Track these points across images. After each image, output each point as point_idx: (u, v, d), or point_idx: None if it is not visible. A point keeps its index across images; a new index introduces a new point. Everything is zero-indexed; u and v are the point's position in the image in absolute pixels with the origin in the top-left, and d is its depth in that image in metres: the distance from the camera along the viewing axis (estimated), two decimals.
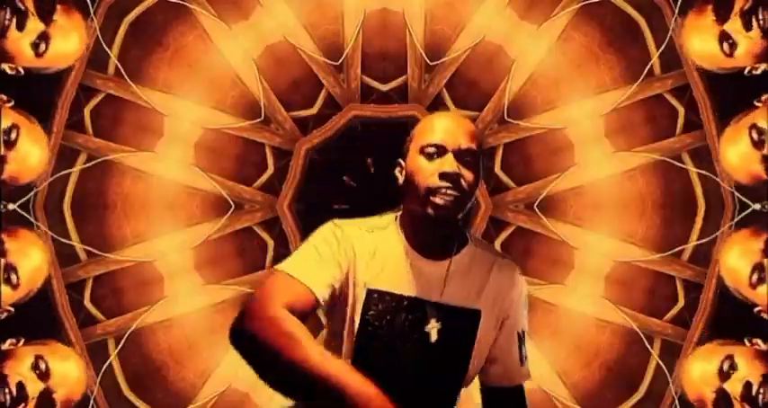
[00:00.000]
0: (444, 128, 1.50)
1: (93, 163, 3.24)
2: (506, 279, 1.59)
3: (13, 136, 3.13)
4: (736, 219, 3.15)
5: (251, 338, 1.43)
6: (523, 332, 1.64)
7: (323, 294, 1.47)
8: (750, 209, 3.14)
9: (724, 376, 3.09)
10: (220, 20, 3.27)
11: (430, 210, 1.44)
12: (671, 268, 3.23)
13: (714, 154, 3.17)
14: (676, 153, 3.23)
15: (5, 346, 3.09)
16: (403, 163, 1.55)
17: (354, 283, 1.51)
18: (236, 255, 3.32)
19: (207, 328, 3.28)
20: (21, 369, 3.08)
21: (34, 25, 3.15)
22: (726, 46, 3.12)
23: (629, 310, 3.24)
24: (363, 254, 1.51)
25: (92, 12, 3.19)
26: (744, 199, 3.15)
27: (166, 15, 3.26)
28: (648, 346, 3.21)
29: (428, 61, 3.29)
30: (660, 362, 3.19)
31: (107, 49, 3.22)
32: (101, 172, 3.25)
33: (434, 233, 1.52)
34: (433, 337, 1.49)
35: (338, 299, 1.52)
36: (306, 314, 1.46)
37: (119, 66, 3.23)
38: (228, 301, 3.28)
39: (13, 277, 3.12)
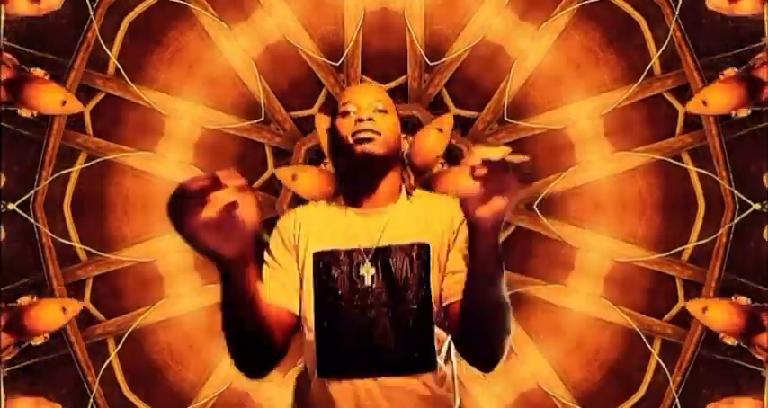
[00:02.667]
0: (353, 90, 1.74)
1: (93, 163, 3.24)
2: (449, 207, 1.62)
3: None
4: (736, 219, 3.15)
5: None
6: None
7: (296, 305, 1.58)
8: (750, 209, 3.14)
9: None
10: (220, 20, 3.27)
11: (358, 148, 1.59)
12: (671, 268, 3.23)
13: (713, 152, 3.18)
14: (676, 153, 3.23)
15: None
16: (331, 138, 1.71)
17: (305, 254, 1.61)
18: None
19: (207, 328, 3.28)
20: None
21: None
22: None
23: (629, 310, 3.24)
24: (309, 226, 1.65)
25: (92, 12, 3.19)
26: (744, 198, 3.15)
27: (166, 15, 3.26)
28: (648, 346, 3.21)
29: (428, 61, 3.29)
30: (660, 362, 3.19)
31: (107, 50, 3.22)
32: (101, 173, 3.25)
33: (369, 180, 1.63)
34: (367, 281, 1.54)
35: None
36: (293, 330, 1.57)
37: (119, 66, 3.23)
38: None
39: None
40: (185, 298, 3.27)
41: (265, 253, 1.70)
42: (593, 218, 3.28)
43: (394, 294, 1.55)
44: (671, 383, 3.16)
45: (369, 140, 1.59)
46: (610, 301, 3.24)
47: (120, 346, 3.22)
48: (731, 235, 3.17)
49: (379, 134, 1.61)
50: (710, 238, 3.18)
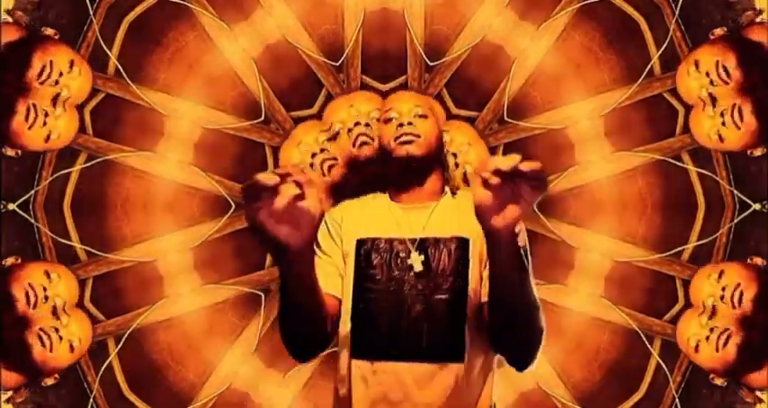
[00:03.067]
0: (394, 98, 1.85)
1: (93, 163, 3.24)
2: None
3: None
4: (736, 220, 3.15)
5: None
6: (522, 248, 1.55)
7: (340, 292, 1.69)
8: (750, 209, 3.14)
9: None
10: (220, 20, 3.27)
11: (400, 150, 1.72)
12: (671, 268, 3.23)
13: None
14: (676, 153, 3.23)
15: None
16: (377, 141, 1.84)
17: (349, 243, 1.70)
18: (236, 255, 3.32)
19: (207, 328, 3.28)
20: None
21: None
22: None
23: (629, 310, 3.24)
24: (351, 217, 1.75)
25: (92, 12, 3.19)
26: (744, 198, 3.15)
27: (166, 15, 3.26)
28: (648, 346, 3.21)
29: (428, 61, 3.29)
30: (660, 362, 3.19)
31: (107, 50, 3.22)
32: (101, 173, 3.25)
33: (412, 180, 1.75)
34: (417, 268, 1.62)
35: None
36: (339, 315, 1.67)
37: (119, 66, 3.23)
38: (228, 301, 3.28)
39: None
40: (185, 298, 3.27)
41: (314, 245, 1.71)
42: (593, 218, 3.28)
43: (429, 283, 1.62)
44: (671, 383, 3.16)
45: (409, 142, 1.72)
46: (610, 301, 3.24)
47: (120, 346, 3.22)
48: (731, 235, 3.17)
49: (419, 136, 1.75)
50: (710, 238, 3.18)
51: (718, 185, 3.18)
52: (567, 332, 3.28)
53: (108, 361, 3.21)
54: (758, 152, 3.11)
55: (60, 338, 3.12)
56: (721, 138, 3.13)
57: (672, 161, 3.23)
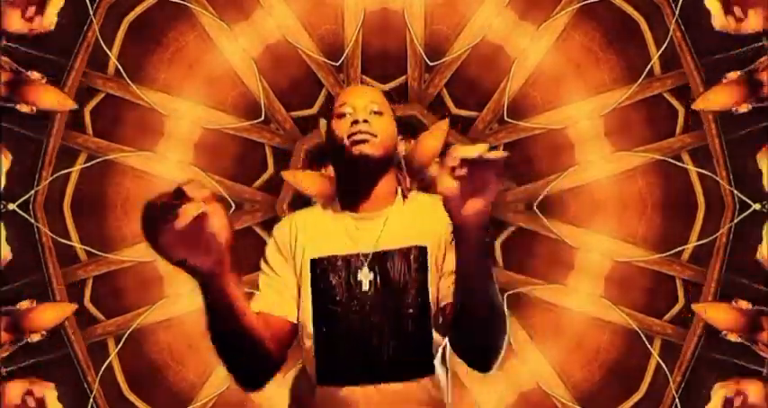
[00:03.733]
0: (348, 92, 1.73)
1: (93, 163, 3.24)
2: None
3: None
4: (736, 219, 3.15)
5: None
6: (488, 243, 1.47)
7: (294, 314, 1.60)
8: (750, 209, 3.14)
9: None
10: (220, 20, 3.27)
11: (354, 150, 1.58)
12: (671, 268, 3.23)
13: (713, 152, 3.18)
14: (676, 153, 3.23)
15: None
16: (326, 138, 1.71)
17: (302, 261, 1.61)
18: (235, 255, 3.31)
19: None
20: None
21: None
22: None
23: (629, 310, 3.23)
24: (306, 233, 1.63)
25: (92, 12, 3.19)
26: (744, 198, 3.15)
27: (166, 15, 3.26)
28: (648, 346, 3.21)
29: (428, 61, 3.29)
30: (660, 362, 3.19)
31: (107, 50, 3.22)
32: (101, 173, 3.25)
33: (364, 182, 1.62)
34: (365, 286, 1.54)
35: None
36: (291, 338, 1.59)
37: (119, 66, 3.23)
38: None
39: None
40: (185, 298, 3.27)
41: (261, 262, 1.71)
42: (593, 218, 3.28)
43: (392, 299, 1.54)
44: (671, 383, 3.16)
45: (364, 141, 1.59)
46: (610, 301, 3.24)
47: (120, 346, 3.22)
48: (731, 235, 3.17)
49: (375, 136, 1.61)
50: (710, 238, 3.18)
51: (718, 185, 3.18)
52: (567, 332, 3.28)
53: (108, 361, 3.21)
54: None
55: None
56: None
57: (672, 161, 3.23)
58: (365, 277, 1.56)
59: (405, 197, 1.69)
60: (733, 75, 3.13)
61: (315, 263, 1.60)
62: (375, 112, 1.65)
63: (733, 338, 3.10)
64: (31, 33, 3.13)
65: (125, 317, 3.24)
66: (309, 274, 1.60)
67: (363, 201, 1.65)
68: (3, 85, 3.15)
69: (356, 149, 1.59)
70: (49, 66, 3.19)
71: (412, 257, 1.56)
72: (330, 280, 1.58)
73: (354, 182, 1.65)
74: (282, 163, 3.33)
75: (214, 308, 1.39)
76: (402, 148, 1.74)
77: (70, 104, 3.20)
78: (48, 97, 3.18)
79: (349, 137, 1.60)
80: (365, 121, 1.60)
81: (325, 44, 3.31)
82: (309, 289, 1.60)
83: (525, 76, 3.30)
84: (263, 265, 1.70)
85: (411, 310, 1.54)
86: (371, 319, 1.54)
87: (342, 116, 1.65)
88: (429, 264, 1.56)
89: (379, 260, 1.58)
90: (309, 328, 1.60)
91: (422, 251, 1.57)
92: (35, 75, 3.15)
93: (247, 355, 1.47)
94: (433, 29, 3.30)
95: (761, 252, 3.13)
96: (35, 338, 3.12)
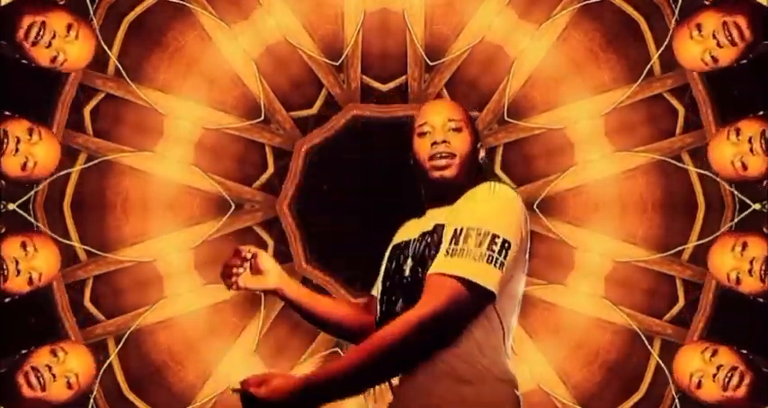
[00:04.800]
0: (428, 110, 1.79)
1: (93, 163, 3.24)
2: (468, 196, 1.68)
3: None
4: (736, 219, 3.15)
5: None
6: (463, 229, 1.54)
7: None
8: (750, 209, 3.14)
9: None
10: (220, 20, 3.27)
11: (434, 174, 1.69)
12: (671, 268, 3.23)
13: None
14: (676, 153, 3.23)
15: None
16: (411, 153, 1.79)
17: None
18: None
19: (207, 328, 3.28)
20: None
21: None
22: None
23: (629, 310, 3.23)
24: (402, 227, 1.84)
25: (92, 12, 3.19)
26: (744, 198, 3.15)
27: (166, 15, 3.26)
28: (648, 346, 3.21)
29: (428, 61, 3.29)
30: (660, 362, 3.19)
31: (107, 49, 3.22)
32: (101, 173, 3.25)
33: (450, 198, 1.69)
34: (406, 273, 1.65)
35: None
36: None
37: (119, 66, 3.23)
38: (228, 301, 3.28)
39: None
40: (185, 298, 3.27)
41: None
42: (593, 218, 3.28)
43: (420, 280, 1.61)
44: (671, 383, 3.16)
45: (444, 168, 1.68)
46: (610, 301, 3.24)
47: (120, 346, 3.22)
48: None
49: (454, 155, 1.70)
50: (710, 238, 3.18)
51: (718, 185, 3.18)
52: (567, 333, 3.28)
53: (108, 361, 3.20)
54: None
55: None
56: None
57: (672, 161, 3.23)
58: (407, 266, 1.67)
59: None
60: None
61: (393, 248, 1.77)
62: (454, 129, 1.73)
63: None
64: None
65: (125, 317, 3.24)
66: (387, 258, 1.79)
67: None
68: None
69: (437, 173, 1.69)
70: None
71: (436, 235, 1.63)
72: (388, 264, 1.74)
73: (442, 198, 1.71)
74: (282, 163, 3.33)
75: (293, 309, 1.86)
76: (482, 154, 1.82)
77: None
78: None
79: (430, 159, 1.69)
80: (444, 142, 1.69)
81: (325, 44, 3.31)
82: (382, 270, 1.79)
83: (525, 76, 3.30)
84: None
85: (413, 277, 1.65)
86: (403, 306, 1.61)
87: (423, 135, 1.74)
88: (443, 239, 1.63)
89: (415, 245, 1.69)
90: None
91: (441, 228, 1.63)
92: None
93: (333, 329, 1.93)
94: (433, 29, 3.30)
95: None
96: None
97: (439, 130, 1.71)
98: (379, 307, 1.72)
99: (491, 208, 1.63)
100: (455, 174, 1.69)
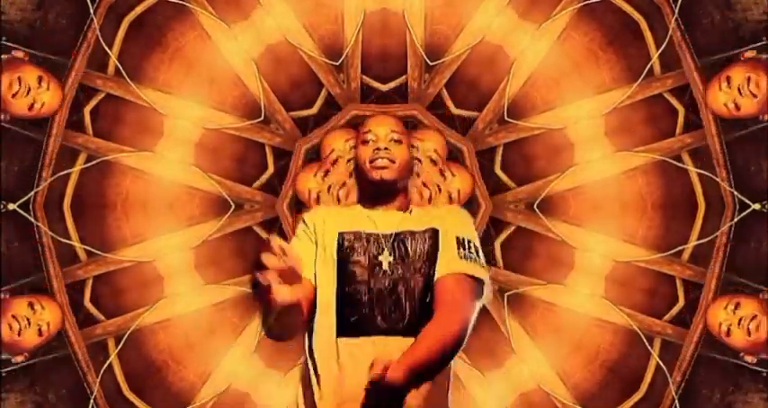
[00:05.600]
0: (374, 122, 2.02)
1: (93, 163, 3.24)
2: (447, 213, 1.94)
3: None
4: (736, 219, 3.15)
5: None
6: (465, 240, 1.83)
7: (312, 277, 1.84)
8: (750, 209, 3.14)
9: None
10: (220, 20, 3.27)
11: (375, 174, 1.89)
12: (671, 268, 3.23)
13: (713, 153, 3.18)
14: (676, 153, 3.23)
15: None
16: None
17: (323, 234, 1.88)
18: (236, 255, 3.32)
19: (207, 328, 3.28)
20: None
21: None
22: None
23: (629, 310, 3.24)
24: (331, 216, 1.92)
25: (92, 12, 3.19)
26: (744, 199, 3.15)
27: (166, 15, 3.26)
28: (648, 346, 3.21)
29: (428, 61, 3.29)
30: (660, 362, 3.19)
31: (107, 49, 3.22)
32: (101, 173, 3.25)
33: (383, 199, 1.94)
34: (385, 266, 1.80)
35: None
36: (314, 299, 1.80)
37: (119, 66, 3.23)
38: (228, 301, 3.28)
39: None
40: (185, 298, 3.28)
41: (299, 227, 1.94)
42: (593, 218, 3.28)
43: (409, 271, 1.81)
44: (671, 383, 3.16)
45: (384, 168, 1.90)
46: (610, 301, 3.24)
47: (120, 346, 3.22)
48: (731, 235, 3.17)
49: (394, 162, 1.90)
50: (710, 238, 3.18)
51: (718, 185, 3.18)
52: (567, 333, 3.28)
53: (108, 361, 3.21)
54: None
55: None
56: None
57: (672, 161, 3.23)
58: (385, 258, 1.81)
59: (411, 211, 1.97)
60: None
61: (342, 235, 1.85)
62: (395, 140, 1.95)
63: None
64: None
65: (125, 317, 3.24)
66: (336, 244, 1.84)
67: (382, 208, 1.95)
68: None
69: (377, 173, 1.90)
70: (50, 65, 3.19)
71: (427, 236, 1.84)
72: (356, 249, 1.83)
73: (375, 199, 1.94)
74: (282, 163, 3.33)
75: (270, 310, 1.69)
76: (416, 170, 2.04)
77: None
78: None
79: (371, 161, 1.90)
80: (386, 149, 1.92)
81: (325, 44, 3.31)
82: (334, 256, 1.83)
83: (525, 76, 3.30)
84: (299, 231, 1.93)
85: (422, 278, 1.80)
86: (390, 282, 1.80)
87: (366, 142, 1.95)
88: (439, 243, 1.83)
89: (400, 240, 1.84)
90: (331, 288, 1.81)
91: (435, 232, 1.84)
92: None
93: (292, 320, 1.75)
94: (433, 29, 3.30)
95: None
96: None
97: (382, 139, 1.94)
98: (327, 289, 1.79)
99: (472, 225, 1.93)
100: (393, 177, 1.91)
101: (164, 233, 3.27)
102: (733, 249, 3.17)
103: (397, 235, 1.85)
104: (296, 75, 3.33)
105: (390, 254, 1.83)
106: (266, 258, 1.50)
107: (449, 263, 1.79)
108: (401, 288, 1.79)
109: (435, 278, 1.80)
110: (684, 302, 3.21)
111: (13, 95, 3.20)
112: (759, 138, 3.16)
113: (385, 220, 1.88)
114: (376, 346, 1.72)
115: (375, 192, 1.94)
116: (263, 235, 3.33)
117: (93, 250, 3.23)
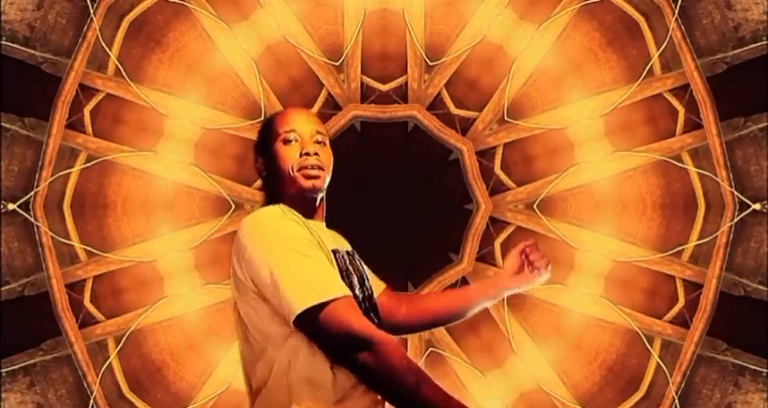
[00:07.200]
0: (297, 118, 1.75)
1: (93, 163, 3.24)
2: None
3: None
4: (736, 219, 3.15)
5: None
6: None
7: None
8: (750, 209, 3.14)
9: None
10: (220, 20, 3.27)
11: (307, 183, 1.67)
12: (671, 268, 3.23)
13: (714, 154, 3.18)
14: (676, 153, 3.23)
15: None
16: (260, 158, 1.78)
17: (321, 245, 1.69)
18: None
19: (207, 328, 3.28)
20: None
21: None
22: None
23: (629, 310, 3.24)
24: (309, 225, 1.70)
25: (92, 12, 3.19)
26: (744, 199, 3.15)
27: (166, 15, 3.26)
28: (648, 346, 3.21)
29: (428, 61, 3.29)
30: (660, 362, 3.19)
31: (107, 49, 3.22)
32: (101, 173, 3.25)
33: (311, 208, 1.74)
34: (365, 285, 1.72)
35: None
36: None
37: (119, 66, 3.23)
38: (228, 301, 3.28)
39: None
40: (185, 298, 3.28)
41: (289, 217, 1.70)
42: (593, 218, 3.28)
43: (366, 285, 1.75)
44: (671, 383, 3.16)
45: (316, 177, 1.68)
46: (610, 301, 3.24)
47: (120, 346, 3.22)
48: (731, 235, 3.17)
49: (323, 169, 1.70)
50: (710, 238, 3.18)
51: (718, 185, 3.18)
52: (567, 333, 3.28)
53: (108, 361, 3.21)
54: None
55: None
56: None
57: (672, 161, 3.23)
58: (361, 279, 1.71)
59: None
60: None
61: (335, 254, 1.68)
62: (320, 142, 1.72)
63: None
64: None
65: (125, 317, 3.24)
66: (335, 260, 1.69)
67: (312, 217, 1.75)
68: None
69: (309, 183, 1.68)
70: (50, 65, 3.19)
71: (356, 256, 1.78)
72: (349, 268, 1.70)
73: (305, 208, 1.71)
74: None
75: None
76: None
77: None
78: None
79: (300, 169, 1.68)
80: (316, 154, 1.69)
81: (325, 44, 3.31)
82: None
83: (525, 76, 3.30)
84: (298, 256, 1.61)
85: (373, 295, 1.76)
86: (371, 302, 1.72)
87: (289, 142, 1.71)
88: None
89: (357, 257, 1.78)
90: None
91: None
92: None
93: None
94: (433, 29, 3.30)
95: None
96: None
97: (308, 141, 1.70)
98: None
99: None
100: (322, 187, 1.71)
101: (164, 233, 3.27)
102: (733, 249, 3.17)
103: (352, 252, 1.79)
104: (296, 75, 3.33)
105: (360, 273, 1.73)
106: None
107: (373, 277, 1.83)
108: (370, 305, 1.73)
109: (378, 292, 1.80)
110: (684, 302, 3.21)
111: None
112: (759, 138, 3.17)
113: (332, 236, 1.76)
114: None
115: (306, 203, 1.71)
116: None
117: (93, 250, 3.23)
